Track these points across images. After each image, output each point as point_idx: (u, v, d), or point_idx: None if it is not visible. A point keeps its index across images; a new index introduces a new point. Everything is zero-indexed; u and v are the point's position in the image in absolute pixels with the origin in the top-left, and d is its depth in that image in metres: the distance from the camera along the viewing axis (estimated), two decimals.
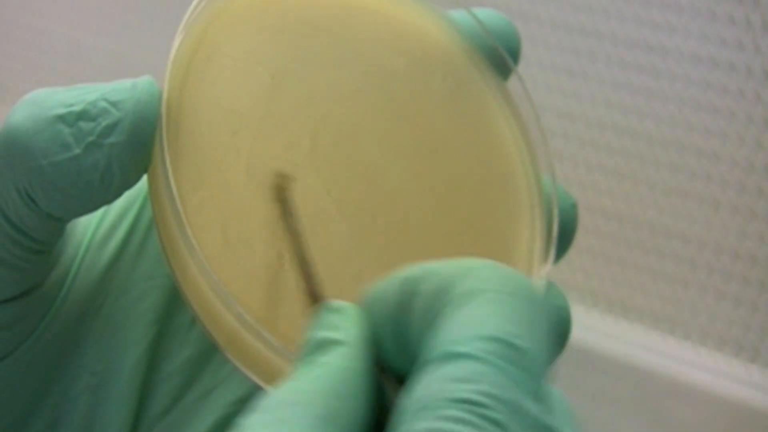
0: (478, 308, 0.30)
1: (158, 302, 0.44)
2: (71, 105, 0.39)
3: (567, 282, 0.78)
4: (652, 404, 0.75)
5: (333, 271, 0.39)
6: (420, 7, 0.45)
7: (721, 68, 0.71)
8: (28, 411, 0.43)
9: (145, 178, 0.40)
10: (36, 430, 0.43)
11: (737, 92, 0.71)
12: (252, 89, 0.41)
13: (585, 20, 0.75)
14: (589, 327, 0.78)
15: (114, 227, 0.44)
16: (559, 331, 0.43)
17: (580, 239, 0.75)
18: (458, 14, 0.45)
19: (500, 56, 0.45)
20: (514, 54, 0.45)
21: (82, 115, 0.38)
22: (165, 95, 0.39)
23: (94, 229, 0.44)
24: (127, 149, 0.38)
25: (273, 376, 0.38)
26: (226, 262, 0.38)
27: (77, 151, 0.38)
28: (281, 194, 0.39)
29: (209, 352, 0.44)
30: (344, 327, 0.32)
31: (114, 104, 0.38)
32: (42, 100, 0.39)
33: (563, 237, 0.44)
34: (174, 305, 0.44)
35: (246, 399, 0.44)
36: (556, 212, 0.43)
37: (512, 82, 0.45)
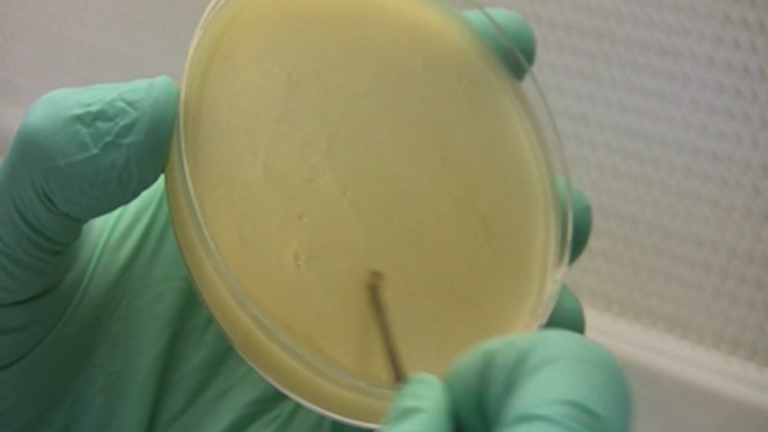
0: (554, 374, 0.31)
1: (174, 304, 0.44)
2: (89, 105, 0.39)
3: (580, 285, 0.78)
4: (666, 408, 0.75)
5: (348, 271, 0.39)
6: (436, 8, 0.45)
7: (735, 71, 0.71)
8: (44, 411, 0.43)
9: (161, 178, 0.40)
10: (52, 430, 0.43)
11: (751, 95, 0.71)
12: (269, 89, 0.41)
13: (599, 23, 0.75)
14: (603, 330, 0.78)
15: (130, 228, 0.44)
16: None
17: (593, 242, 0.75)
18: (473, 15, 0.45)
19: (515, 57, 0.45)
20: (529, 54, 0.45)
21: (100, 115, 0.38)
22: (183, 94, 0.39)
23: (110, 230, 0.44)
24: (144, 149, 0.38)
25: (288, 378, 0.38)
26: (242, 263, 0.38)
27: (95, 151, 0.38)
28: (374, 292, 0.40)
29: (224, 354, 0.44)
30: (427, 397, 0.34)
31: (131, 104, 0.38)
32: (59, 101, 0.39)
33: (577, 239, 0.44)
34: (189, 307, 0.44)
35: (261, 400, 0.44)
36: (570, 215, 0.43)
37: (527, 83, 0.45)
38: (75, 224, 0.40)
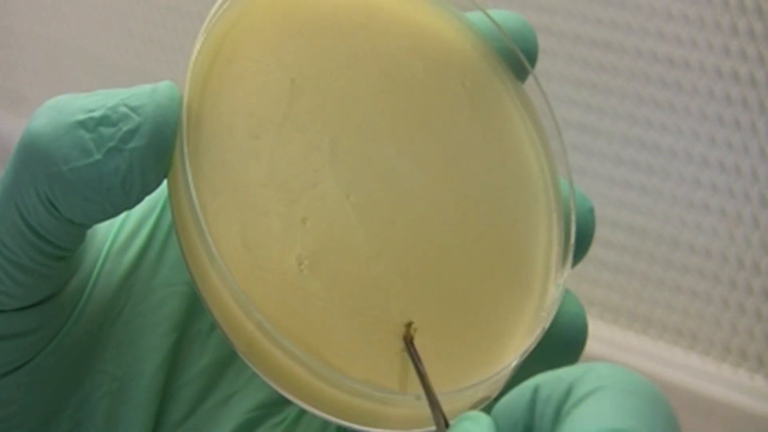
0: (599, 403, 0.31)
1: (178, 309, 0.44)
2: (91, 110, 0.39)
3: (588, 296, 0.78)
4: None
5: (352, 276, 0.39)
6: (438, 10, 0.45)
7: (742, 82, 0.71)
8: (48, 416, 0.43)
9: (164, 183, 0.40)
10: None
11: (758, 106, 0.71)
12: (272, 93, 0.41)
13: (607, 34, 0.75)
14: (610, 342, 0.78)
15: (134, 233, 0.44)
16: (574, 338, 0.43)
17: (600, 253, 0.75)
18: (475, 16, 0.45)
19: (517, 58, 0.45)
20: (532, 54, 0.45)
21: (103, 121, 0.38)
22: (185, 99, 0.39)
23: (114, 235, 0.44)
24: (147, 154, 0.38)
25: (292, 383, 0.38)
26: (245, 268, 0.38)
27: (98, 156, 0.38)
28: (409, 342, 0.40)
29: (228, 359, 0.44)
30: None
31: (134, 109, 0.39)
32: (62, 106, 0.39)
33: (580, 241, 0.44)
34: (193, 312, 0.44)
35: (266, 404, 0.44)
36: (573, 217, 0.43)
37: (529, 84, 0.45)
38: (79, 230, 0.40)
